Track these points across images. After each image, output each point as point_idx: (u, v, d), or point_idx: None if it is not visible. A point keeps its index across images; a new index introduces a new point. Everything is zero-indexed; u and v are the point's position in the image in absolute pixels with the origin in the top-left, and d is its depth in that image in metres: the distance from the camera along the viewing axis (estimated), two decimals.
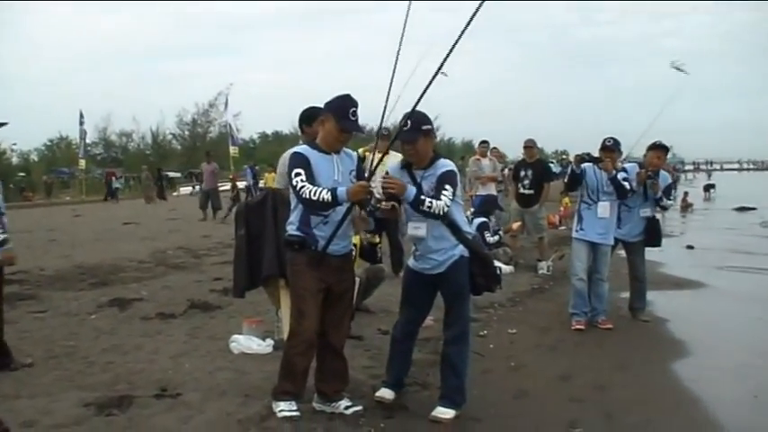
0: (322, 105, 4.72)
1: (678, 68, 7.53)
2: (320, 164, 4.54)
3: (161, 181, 38.94)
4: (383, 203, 4.63)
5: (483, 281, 4.90)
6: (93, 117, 57.38)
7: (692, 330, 7.56)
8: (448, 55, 4.45)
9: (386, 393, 5.06)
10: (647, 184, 7.65)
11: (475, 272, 4.85)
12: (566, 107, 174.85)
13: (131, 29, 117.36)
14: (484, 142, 13.81)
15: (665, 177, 7.96)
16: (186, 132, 62.08)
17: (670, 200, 8.03)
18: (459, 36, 4.44)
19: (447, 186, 4.64)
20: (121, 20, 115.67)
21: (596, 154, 7.50)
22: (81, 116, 35.26)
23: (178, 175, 54.13)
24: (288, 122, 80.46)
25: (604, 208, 7.38)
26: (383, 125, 5.14)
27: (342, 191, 4.35)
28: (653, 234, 7.92)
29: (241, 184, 27.05)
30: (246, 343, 6.25)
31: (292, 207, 4.67)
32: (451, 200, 4.63)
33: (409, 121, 4.70)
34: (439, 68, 4.49)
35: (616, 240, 7.87)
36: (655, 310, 8.30)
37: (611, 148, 7.35)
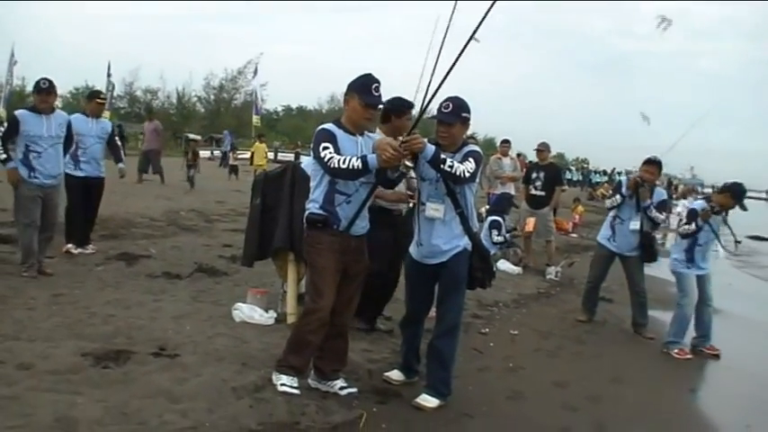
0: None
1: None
2: (345, 143, 4.55)
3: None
4: (409, 165, 4.59)
5: (480, 275, 4.95)
6: (121, 70, 57.34)
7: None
8: (482, 20, 4.49)
9: (393, 374, 5.24)
10: (638, 192, 7.74)
11: (475, 265, 4.91)
12: (591, 116, 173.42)
13: None
14: (506, 141, 13.82)
15: (659, 193, 8.03)
16: (212, 96, 62.02)
17: (661, 215, 8.02)
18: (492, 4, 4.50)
19: (471, 159, 4.70)
20: None
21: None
22: (109, 68, 35.13)
23: (199, 138, 54.18)
24: (313, 98, 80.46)
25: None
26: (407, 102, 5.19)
27: (372, 157, 4.37)
28: (647, 250, 7.92)
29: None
30: (249, 312, 6.26)
31: (315, 184, 4.66)
32: (471, 171, 4.64)
33: (451, 104, 4.76)
34: (472, 35, 4.51)
35: (612, 253, 8.02)
36: (660, 328, 8.25)
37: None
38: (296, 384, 4.64)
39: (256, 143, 25.82)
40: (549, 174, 11.76)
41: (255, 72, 42.02)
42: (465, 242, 4.86)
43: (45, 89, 7.34)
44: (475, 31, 4.52)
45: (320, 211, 4.60)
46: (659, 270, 12.88)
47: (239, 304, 6.37)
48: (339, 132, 4.59)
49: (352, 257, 4.69)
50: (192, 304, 6.67)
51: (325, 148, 4.46)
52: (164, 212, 13.18)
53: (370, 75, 4.63)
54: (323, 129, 4.63)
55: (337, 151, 4.46)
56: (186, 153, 21.15)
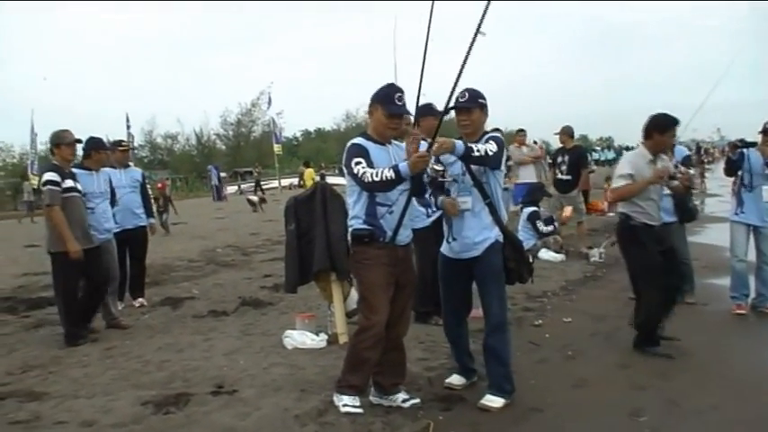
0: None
1: None
2: (377, 154, 4.52)
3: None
4: (437, 168, 4.63)
5: (515, 266, 4.86)
6: (139, 120, 58.23)
7: (754, 316, 7.31)
8: (484, 13, 4.47)
9: (454, 379, 5.18)
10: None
11: (507, 256, 4.82)
12: (604, 93, 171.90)
13: (165, 27, 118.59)
14: (521, 131, 14.11)
15: (680, 151, 7.78)
16: (230, 132, 62.63)
17: (690, 170, 7.84)
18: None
19: (491, 141, 4.67)
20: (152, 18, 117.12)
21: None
22: (127, 120, 35.62)
23: (224, 174, 54.78)
24: (329, 119, 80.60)
25: None
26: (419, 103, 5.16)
27: (404, 165, 4.33)
28: (683, 210, 7.68)
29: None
30: (300, 338, 6.23)
31: (354, 200, 4.62)
32: (495, 150, 4.60)
33: (467, 93, 4.78)
34: (477, 29, 4.47)
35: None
36: (715, 296, 8.07)
37: None
38: (358, 403, 4.58)
39: (305, 169, 26.53)
40: (573, 157, 11.84)
41: (269, 102, 42.42)
42: (496, 233, 4.78)
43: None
44: (479, 26, 4.48)
45: (365, 226, 4.56)
46: (707, 236, 12.70)
47: (289, 331, 6.35)
48: (370, 145, 4.57)
49: (401, 268, 4.64)
50: (243, 338, 6.66)
51: (358, 163, 4.43)
52: (200, 252, 13.30)
53: (392, 84, 4.62)
54: (353, 144, 4.60)
55: (370, 165, 4.42)
56: (157, 200, 20.81)
